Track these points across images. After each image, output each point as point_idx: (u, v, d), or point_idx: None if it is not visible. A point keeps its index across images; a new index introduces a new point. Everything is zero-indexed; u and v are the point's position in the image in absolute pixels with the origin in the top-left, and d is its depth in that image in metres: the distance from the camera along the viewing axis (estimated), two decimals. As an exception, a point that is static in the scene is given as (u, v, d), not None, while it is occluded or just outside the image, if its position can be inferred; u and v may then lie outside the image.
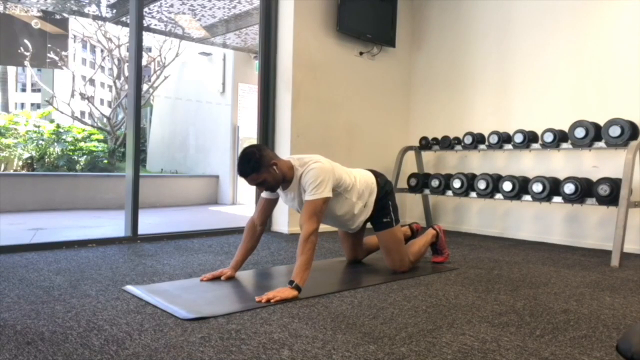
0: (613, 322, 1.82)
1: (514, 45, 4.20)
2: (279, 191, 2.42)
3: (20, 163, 8.57)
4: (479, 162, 4.41)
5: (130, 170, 3.48)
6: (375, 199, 2.57)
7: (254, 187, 2.67)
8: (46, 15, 8.33)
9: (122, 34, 10.15)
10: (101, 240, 3.34)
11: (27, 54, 8.65)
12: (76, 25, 10.11)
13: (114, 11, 6.96)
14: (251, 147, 2.28)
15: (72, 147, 9.20)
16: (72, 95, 10.94)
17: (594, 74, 3.73)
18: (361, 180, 2.54)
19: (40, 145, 8.81)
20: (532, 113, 4.05)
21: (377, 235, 2.65)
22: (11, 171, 8.31)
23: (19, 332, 1.57)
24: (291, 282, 2.06)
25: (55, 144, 8.97)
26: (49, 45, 8.91)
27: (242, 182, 6.91)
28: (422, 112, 4.88)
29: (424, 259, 2.91)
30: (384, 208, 2.60)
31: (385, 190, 2.62)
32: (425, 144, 4.45)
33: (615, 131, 3.25)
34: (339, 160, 4.35)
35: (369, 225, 2.68)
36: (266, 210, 2.46)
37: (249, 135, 7.87)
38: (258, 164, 2.20)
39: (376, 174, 2.67)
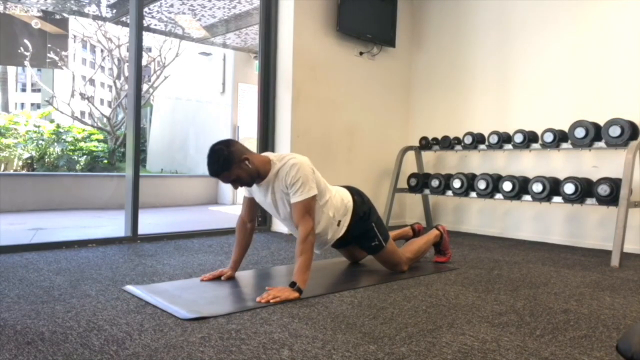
0: (613, 322, 1.82)
1: (514, 45, 4.20)
2: (253, 188, 2.29)
3: (20, 163, 8.57)
4: (479, 162, 4.41)
5: (130, 170, 3.48)
6: (351, 221, 2.41)
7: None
8: (46, 15, 8.33)
9: (122, 34, 10.16)
10: (101, 240, 3.34)
11: (27, 54, 8.65)
12: (76, 25, 10.11)
13: (114, 11, 6.97)
14: (219, 143, 2.14)
15: (72, 147, 9.21)
16: (72, 95, 10.95)
17: (594, 74, 3.73)
18: (337, 195, 2.38)
19: (40, 145, 8.82)
20: (532, 113, 4.05)
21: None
22: (11, 171, 8.32)
23: (19, 332, 1.57)
24: (293, 284, 2.05)
25: (55, 144, 8.97)
26: (49, 45, 8.91)
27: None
28: (422, 112, 4.88)
29: (425, 258, 2.91)
30: (368, 231, 2.46)
31: (362, 211, 2.45)
32: (425, 144, 4.45)
33: (615, 131, 3.25)
34: (339, 160, 4.42)
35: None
36: (252, 207, 2.40)
37: (249, 135, 7.87)
38: (228, 161, 2.08)
39: (353, 192, 2.48)
